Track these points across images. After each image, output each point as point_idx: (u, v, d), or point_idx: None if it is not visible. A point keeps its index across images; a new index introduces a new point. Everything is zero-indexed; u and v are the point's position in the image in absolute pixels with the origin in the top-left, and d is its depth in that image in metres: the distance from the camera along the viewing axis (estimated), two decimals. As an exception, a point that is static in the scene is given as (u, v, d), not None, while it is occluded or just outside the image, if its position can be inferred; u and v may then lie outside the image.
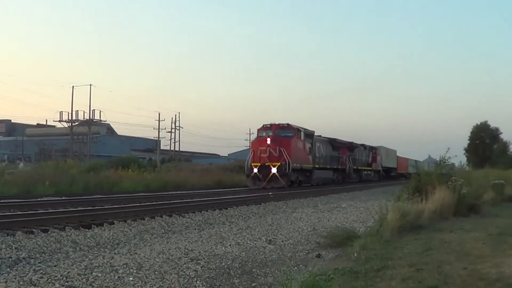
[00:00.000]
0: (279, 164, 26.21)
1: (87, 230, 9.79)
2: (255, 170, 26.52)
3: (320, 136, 34.87)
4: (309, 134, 31.24)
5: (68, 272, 6.36)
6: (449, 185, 12.53)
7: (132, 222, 11.12)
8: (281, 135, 27.83)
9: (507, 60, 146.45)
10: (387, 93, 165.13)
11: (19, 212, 12.12)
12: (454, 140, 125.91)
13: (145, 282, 6.04)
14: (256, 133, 29.62)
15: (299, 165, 28.45)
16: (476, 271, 5.62)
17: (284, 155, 26.36)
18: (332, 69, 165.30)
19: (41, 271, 6.44)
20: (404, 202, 10.65)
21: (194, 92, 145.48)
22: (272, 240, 9.60)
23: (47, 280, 5.97)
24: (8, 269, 6.56)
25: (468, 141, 75.08)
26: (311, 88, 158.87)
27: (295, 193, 22.92)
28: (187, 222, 11.89)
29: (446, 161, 15.37)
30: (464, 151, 71.45)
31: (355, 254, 7.06)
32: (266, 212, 15.31)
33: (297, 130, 28.94)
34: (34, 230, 9.16)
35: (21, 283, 5.82)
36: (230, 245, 8.88)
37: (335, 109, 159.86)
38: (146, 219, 11.62)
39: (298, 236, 10.26)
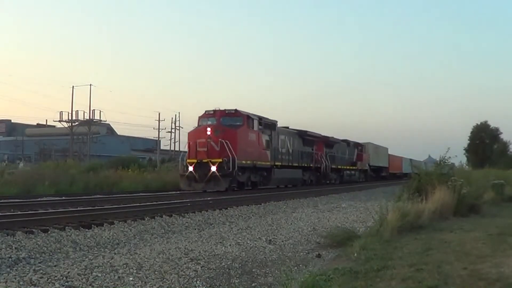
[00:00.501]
0: (220, 160, 21.13)
1: (87, 230, 9.78)
2: (190, 168, 21.54)
3: (287, 127, 29.86)
4: (268, 124, 25.71)
5: (68, 272, 6.35)
6: (449, 185, 12.53)
7: (132, 222, 11.10)
8: (226, 124, 22.68)
9: (507, 60, 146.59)
10: (387, 94, 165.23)
11: (19, 212, 12.11)
12: (454, 140, 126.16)
13: (145, 282, 6.04)
14: (197, 121, 23.70)
15: (251, 162, 23.20)
16: (476, 271, 5.62)
17: (228, 149, 21.20)
18: (332, 69, 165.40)
19: (41, 271, 6.43)
20: (404, 202, 10.66)
21: (194, 92, 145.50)
22: (272, 240, 9.59)
23: (47, 280, 5.97)
24: (8, 269, 6.55)
25: (468, 141, 75.25)
26: (311, 88, 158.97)
27: (295, 193, 22.92)
28: (187, 222, 11.88)
29: (446, 161, 15.40)
30: (464, 151, 71.58)
31: (355, 254, 7.06)
32: (266, 212, 15.31)
33: (248, 118, 23.44)
34: (34, 230, 9.14)
35: (21, 283, 5.81)
36: (230, 245, 8.87)
37: (334, 110, 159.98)
38: (146, 219, 11.61)
39: (298, 236, 10.25)
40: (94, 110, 59.22)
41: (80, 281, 5.96)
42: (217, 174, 20.97)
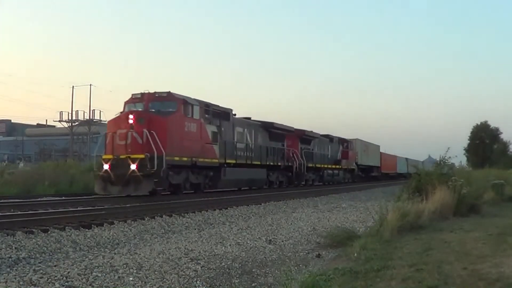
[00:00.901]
0: (142, 157, 16.27)
1: (87, 230, 9.78)
2: (106, 166, 16.65)
3: (248, 118, 25.12)
4: (217, 113, 20.51)
5: (68, 272, 6.35)
6: (449, 185, 12.54)
7: (132, 222, 11.11)
8: (154, 110, 17.73)
9: (508, 60, 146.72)
10: (387, 94, 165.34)
11: (19, 212, 12.11)
12: (454, 140, 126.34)
13: (145, 282, 6.04)
14: (123, 107, 18.53)
15: (189, 159, 18.04)
16: (476, 271, 5.62)
17: (152, 142, 16.30)
18: (331, 69, 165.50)
19: (41, 271, 6.43)
20: (404, 202, 10.67)
21: (194, 92, 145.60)
22: (272, 240, 9.59)
23: (47, 280, 5.97)
24: (8, 269, 6.55)
25: (468, 141, 75.28)
26: (310, 88, 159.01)
27: (295, 193, 22.92)
28: (187, 222, 11.88)
29: (446, 161, 15.42)
30: (464, 151, 71.59)
31: (355, 254, 7.07)
32: (266, 212, 15.31)
33: (185, 103, 18.10)
34: (34, 230, 9.14)
35: (21, 283, 5.82)
36: (230, 245, 8.87)
37: (334, 110, 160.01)
38: (146, 219, 11.62)
39: (298, 236, 10.25)
40: (94, 110, 59.32)
41: (80, 281, 5.96)
42: (138, 174, 16.13)
